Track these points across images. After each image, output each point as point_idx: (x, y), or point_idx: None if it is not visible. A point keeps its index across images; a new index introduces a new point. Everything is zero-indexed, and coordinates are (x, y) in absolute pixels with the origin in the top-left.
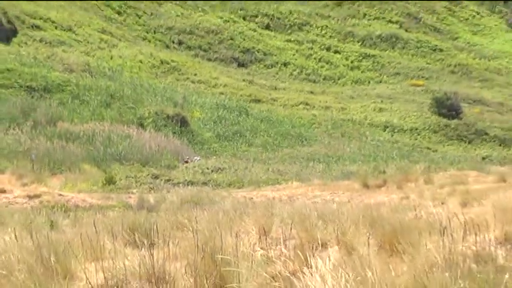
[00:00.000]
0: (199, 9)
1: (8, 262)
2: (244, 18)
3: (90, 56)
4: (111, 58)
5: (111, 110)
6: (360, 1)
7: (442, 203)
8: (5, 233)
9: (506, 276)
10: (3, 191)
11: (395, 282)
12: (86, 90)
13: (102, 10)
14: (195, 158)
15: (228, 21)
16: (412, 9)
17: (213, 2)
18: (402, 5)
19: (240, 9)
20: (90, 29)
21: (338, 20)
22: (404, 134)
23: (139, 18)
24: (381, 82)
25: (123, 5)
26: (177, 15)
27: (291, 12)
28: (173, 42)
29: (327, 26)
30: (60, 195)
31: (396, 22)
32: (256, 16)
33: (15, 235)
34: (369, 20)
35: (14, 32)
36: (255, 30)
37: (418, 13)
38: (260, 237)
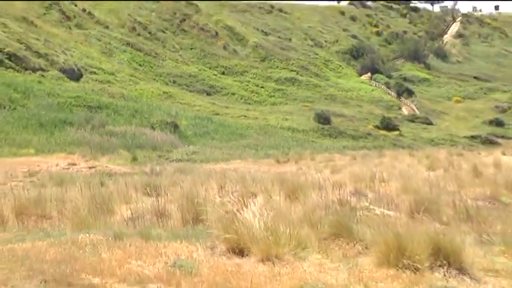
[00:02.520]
0: (185, 63)
1: (76, 204)
2: (210, 68)
3: (124, 89)
4: (136, 90)
5: (135, 119)
6: (274, 59)
7: (320, 172)
8: (75, 188)
9: (358, 213)
10: (74, 164)
11: (294, 216)
12: (121, 108)
13: (131, 63)
14: (190, 146)
15: (201, 69)
16: (304, 63)
17: (193, 59)
18: (298, 60)
19: (207, 63)
20: (124, 74)
21: (262, 69)
22: (299, 133)
23: (152, 68)
24: (286, 104)
25: (142, 61)
26: (173, 66)
27: (236, 65)
28: (170, 81)
29: (256, 73)
30: (107, 166)
31: (295, 70)
32: (217, 67)
33: (81, 189)
34: (280, 69)
35: (81, 75)
36: (216, 75)
37: (307, 65)
38: (218, 190)
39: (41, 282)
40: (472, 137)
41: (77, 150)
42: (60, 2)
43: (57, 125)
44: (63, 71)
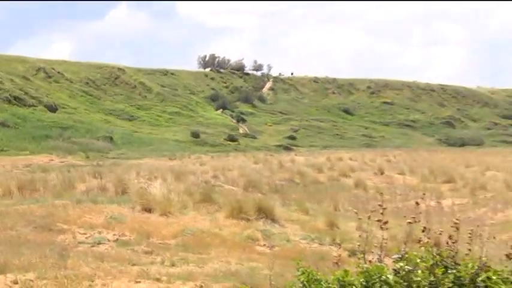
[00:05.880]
0: (117, 103)
1: (54, 183)
2: (131, 106)
3: (82, 117)
4: (88, 118)
5: (88, 134)
6: (168, 101)
7: (194, 164)
8: (53, 173)
9: (215, 188)
10: (52, 160)
11: (179, 189)
12: (80, 128)
13: (85, 103)
14: (120, 150)
15: (126, 106)
16: (184, 103)
17: (122, 101)
18: (178, 101)
19: (130, 103)
20: (81, 109)
21: (161, 107)
22: (182, 143)
23: (98, 105)
24: (175, 127)
25: (92, 101)
26: (110, 105)
27: (146, 104)
28: (108, 113)
29: (158, 108)
30: (71, 162)
31: (179, 107)
32: (135, 105)
33: (56, 174)
34: (171, 106)
35: (57, 109)
36: (134, 110)
37: (186, 105)
38: (136, 175)
39: (33, 228)
40: (278, 145)
41: (54, 152)
42: (45, 67)
43: (42, 138)
44: (46, 106)
